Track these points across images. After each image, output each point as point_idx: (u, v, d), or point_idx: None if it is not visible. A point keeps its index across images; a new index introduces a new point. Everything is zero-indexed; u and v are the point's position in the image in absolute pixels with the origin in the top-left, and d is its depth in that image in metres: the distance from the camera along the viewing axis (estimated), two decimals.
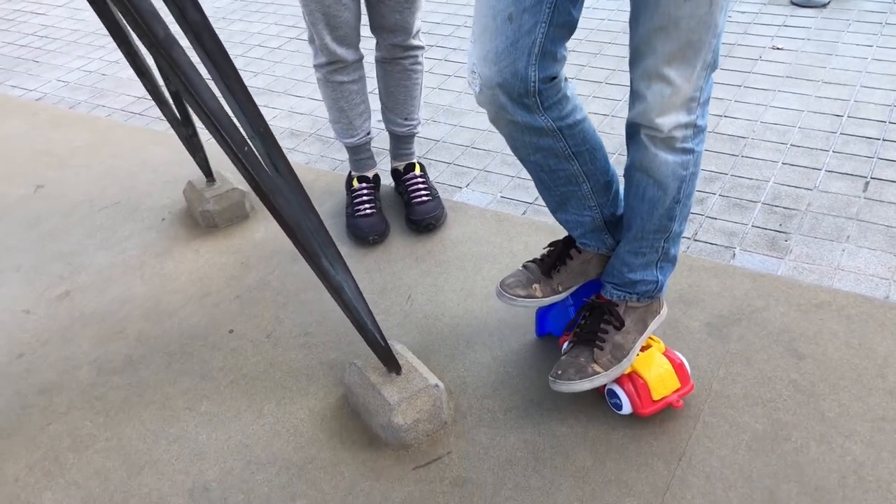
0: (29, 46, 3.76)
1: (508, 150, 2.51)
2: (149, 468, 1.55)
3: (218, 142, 1.30)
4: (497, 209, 2.22)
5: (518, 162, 2.45)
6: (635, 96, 1.31)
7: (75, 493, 1.51)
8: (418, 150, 2.56)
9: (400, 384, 1.52)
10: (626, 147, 1.42)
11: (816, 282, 1.84)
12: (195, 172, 2.52)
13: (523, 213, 2.20)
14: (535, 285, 1.55)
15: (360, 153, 2.15)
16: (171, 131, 2.84)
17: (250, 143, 1.30)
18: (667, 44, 1.20)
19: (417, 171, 2.18)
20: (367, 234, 2.07)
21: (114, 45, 3.68)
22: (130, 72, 3.37)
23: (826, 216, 2.06)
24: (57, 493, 1.52)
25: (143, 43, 1.23)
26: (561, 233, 2.02)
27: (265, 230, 2.21)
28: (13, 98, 3.20)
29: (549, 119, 1.31)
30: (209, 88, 1.25)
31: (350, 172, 2.21)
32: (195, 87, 1.24)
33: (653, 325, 1.54)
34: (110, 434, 1.63)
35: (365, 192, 2.14)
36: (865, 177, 2.20)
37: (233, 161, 1.31)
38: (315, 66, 1.96)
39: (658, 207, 1.40)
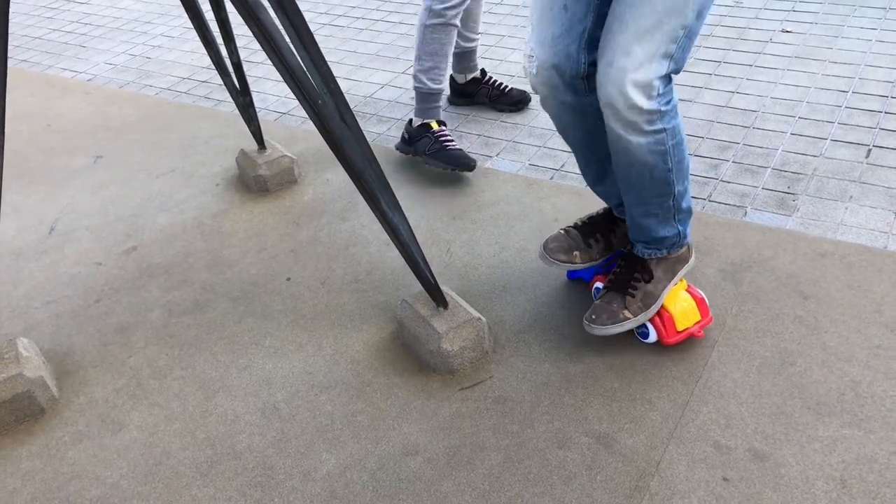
0: (74, 33, 3.97)
1: (535, 123, 2.69)
2: (223, 392, 1.74)
3: (295, 94, 1.49)
4: (526, 175, 2.41)
5: (544, 133, 2.64)
6: (603, 71, 1.39)
7: (159, 412, 1.71)
8: (449, 123, 2.75)
9: (447, 316, 1.71)
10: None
11: (821, 235, 2.01)
12: (242, 144, 2.71)
13: (551, 179, 2.39)
14: (576, 252, 1.74)
15: (438, 100, 2.45)
16: (219, 107, 3.04)
17: (324, 97, 1.49)
18: (639, 20, 1.32)
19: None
20: (469, 159, 2.36)
21: (155, 31, 3.89)
22: (174, 54, 3.58)
23: (831, 179, 2.24)
24: (142, 412, 1.71)
25: (235, 5, 1.42)
26: (587, 197, 2.21)
27: (313, 192, 2.41)
28: (66, 79, 3.41)
29: (594, 100, 1.49)
30: (290, 47, 1.45)
31: (422, 121, 2.45)
32: (277, 45, 1.44)
33: (681, 273, 1.71)
34: (185, 365, 1.83)
35: (447, 131, 2.45)
36: (868, 145, 2.37)
37: (307, 112, 1.50)
38: (444, 8, 2.26)
39: (645, 178, 1.51)
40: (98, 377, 1.81)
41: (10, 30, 4.06)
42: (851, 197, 2.15)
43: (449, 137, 2.43)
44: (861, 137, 2.41)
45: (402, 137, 2.51)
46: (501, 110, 2.79)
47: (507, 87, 2.79)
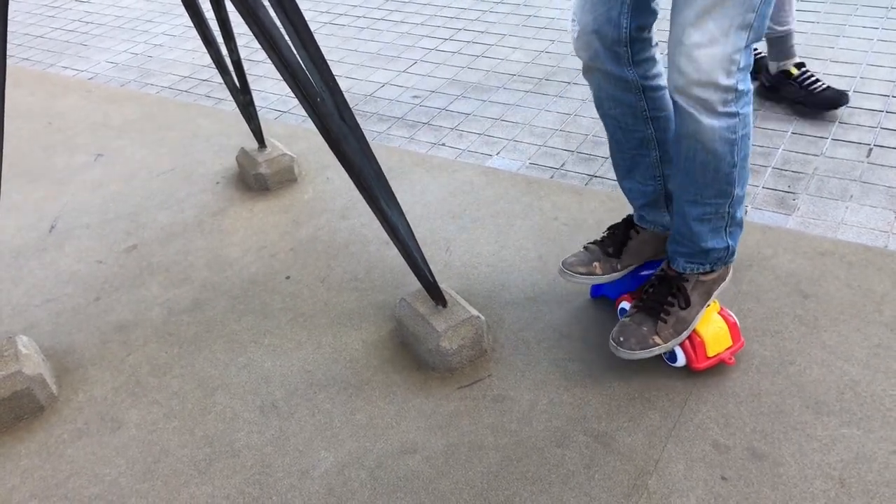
0: (76, 31, 3.98)
1: (535, 122, 2.69)
2: (222, 390, 1.74)
3: (294, 92, 1.49)
4: (526, 174, 2.41)
5: (545, 131, 2.64)
6: (674, 51, 1.32)
7: (157, 410, 1.71)
8: (449, 122, 2.75)
9: (445, 315, 1.71)
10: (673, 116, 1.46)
11: (821, 234, 2.01)
12: (243, 143, 2.71)
13: (551, 178, 2.39)
14: (596, 263, 1.70)
15: (789, 41, 2.51)
16: (220, 105, 3.04)
17: (322, 95, 1.49)
18: None
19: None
20: (840, 94, 2.47)
21: (157, 30, 3.89)
22: (175, 53, 3.58)
23: (832, 178, 2.23)
24: (141, 410, 1.71)
25: (234, 4, 1.42)
26: (587, 196, 2.20)
27: (313, 191, 2.41)
28: (67, 77, 3.41)
29: (635, 74, 1.47)
30: (288, 45, 1.45)
31: (779, 67, 2.54)
32: (276, 43, 1.44)
33: (716, 293, 1.64)
34: (185, 363, 1.83)
35: (807, 70, 2.53)
36: (869, 144, 2.37)
37: (306, 110, 1.50)
38: None
39: (710, 171, 1.42)
40: (97, 375, 1.81)
41: (12, 28, 4.06)
42: (852, 196, 2.15)
43: (812, 79, 2.50)
44: (862, 137, 2.41)
45: (763, 85, 2.62)
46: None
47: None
